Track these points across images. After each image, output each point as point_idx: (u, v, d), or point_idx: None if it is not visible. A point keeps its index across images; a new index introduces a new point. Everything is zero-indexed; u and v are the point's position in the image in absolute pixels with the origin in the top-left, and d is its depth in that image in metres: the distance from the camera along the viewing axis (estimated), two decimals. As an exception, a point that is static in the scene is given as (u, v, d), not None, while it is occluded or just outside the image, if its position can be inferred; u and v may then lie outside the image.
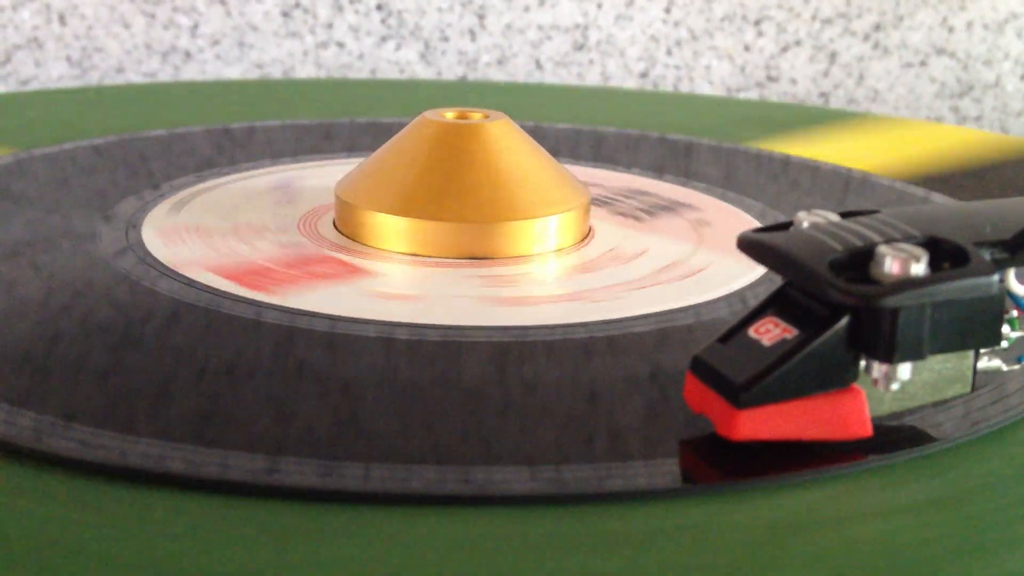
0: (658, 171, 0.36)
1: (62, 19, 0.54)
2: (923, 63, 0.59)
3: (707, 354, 0.19)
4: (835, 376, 0.18)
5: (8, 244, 0.27)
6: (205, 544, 0.16)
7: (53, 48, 0.54)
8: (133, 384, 0.21)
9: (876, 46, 0.58)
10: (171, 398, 0.20)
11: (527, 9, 0.57)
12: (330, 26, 0.56)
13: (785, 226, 0.20)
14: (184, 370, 0.21)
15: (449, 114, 0.29)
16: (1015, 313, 0.20)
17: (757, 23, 0.58)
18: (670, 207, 0.32)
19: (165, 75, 0.55)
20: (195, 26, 0.55)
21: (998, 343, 0.19)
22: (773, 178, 0.36)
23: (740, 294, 0.26)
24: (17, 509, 0.17)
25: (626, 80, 0.58)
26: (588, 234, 0.29)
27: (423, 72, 0.57)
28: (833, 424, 0.18)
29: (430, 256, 0.27)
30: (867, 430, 0.19)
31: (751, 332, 0.19)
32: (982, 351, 0.20)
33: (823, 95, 0.59)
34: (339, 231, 0.29)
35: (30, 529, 0.16)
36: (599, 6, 0.57)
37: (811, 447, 0.19)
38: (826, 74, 0.59)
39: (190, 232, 0.28)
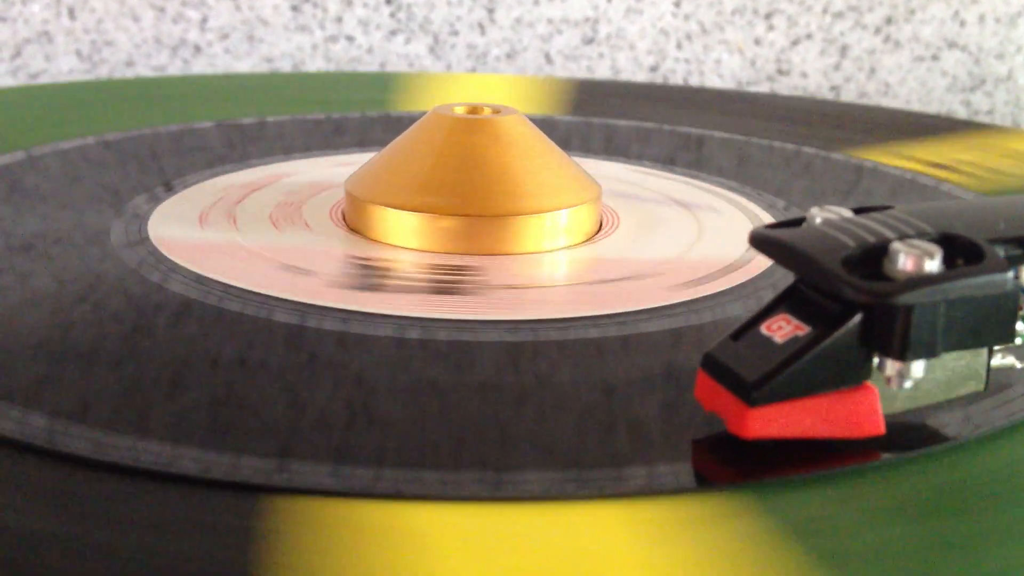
0: (669, 164, 0.36)
1: (71, 13, 0.54)
2: (935, 57, 0.58)
3: (718, 351, 0.19)
4: (848, 374, 0.18)
5: (20, 240, 0.27)
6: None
7: (63, 42, 0.54)
8: (142, 381, 0.20)
9: (887, 40, 0.58)
10: (180, 396, 0.20)
11: (537, 3, 0.56)
12: (339, 20, 0.56)
13: (797, 222, 0.20)
14: (194, 368, 0.21)
15: (460, 108, 0.29)
16: (1030, 310, 0.20)
17: (768, 16, 0.58)
18: (680, 198, 0.32)
19: (174, 69, 0.55)
20: (204, 20, 0.55)
21: (1012, 340, 0.19)
22: (783, 171, 0.36)
23: (754, 290, 0.25)
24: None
25: (636, 74, 0.58)
26: (599, 228, 0.29)
27: (432, 66, 0.57)
28: (846, 422, 0.18)
29: (441, 251, 0.27)
30: (880, 428, 0.19)
31: (763, 329, 0.19)
32: (996, 348, 0.19)
33: (834, 89, 0.59)
34: (349, 227, 0.28)
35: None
36: (609, 0, 0.57)
37: (824, 445, 0.19)
38: (837, 68, 0.58)
39: (201, 228, 0.28)
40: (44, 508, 0.17)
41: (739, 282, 0.26)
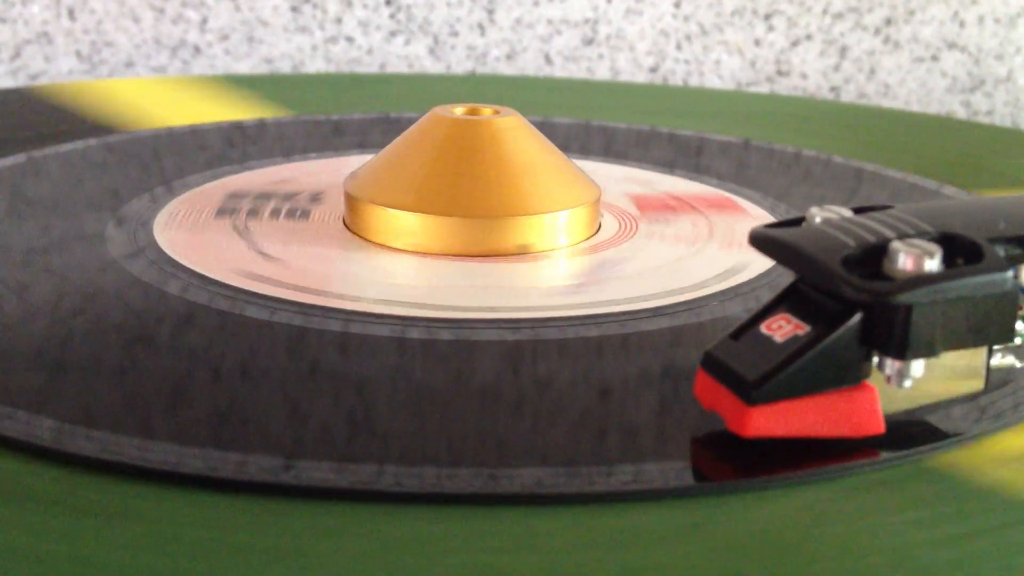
0: (668, 166, 0.36)
1: (71, 14, 0.54)
2: (934, 57, 0.58)
3: (718, 350, 0.19)
4: (847, 373, 0.18)
5: (19, 243, 0.27)
6: (220, 542, 0.16)
7: (62, 43, 0.54)
8: (146, 385, 0.20)
9: (887, 40, 0.58)
10: (184, 398, 0.20)
11: (536, 3, 0.57)
12: (339, 21, 0.56)
13: (797, 222, 0.20)
14: (197, 370, 0.21)
15: (459, 110, 0.29)
16: (1029, 310, 0.20)
17: (767, 17, 0.58)
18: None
19: (174, 70, 0.55)
20: (204, 21, 0.55)
21: (1012, 339, 0.19)
22: (784, 172, 0.36)
23: (753, 290, 0.25)
24: (29, 511, 0.17)
25: (636, 75, 0.58)
26: (598, 229, 0.29)
27: (432, 67, 0.57)
28: (845, 421, 0.18)
29: (440, 252, 0.27)
30: (880, 427, 0.19)
31: (763, 328, 0.19)
32: (996, 347, 0.19)
33: (834, 89, 0.59)
34: (348, 228, 0.28)
35: (40, 529, 0.16)
36: (609, 0, 0.57)
37: (823, 444, 0.19)
38: (837, 68, 0.58)
39: (201, 230, 0.28)
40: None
41: (739, 283, 0.26)
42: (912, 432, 0.19)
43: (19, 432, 0.18)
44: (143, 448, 0.18)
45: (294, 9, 0.55)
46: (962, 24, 0.58)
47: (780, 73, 0.58)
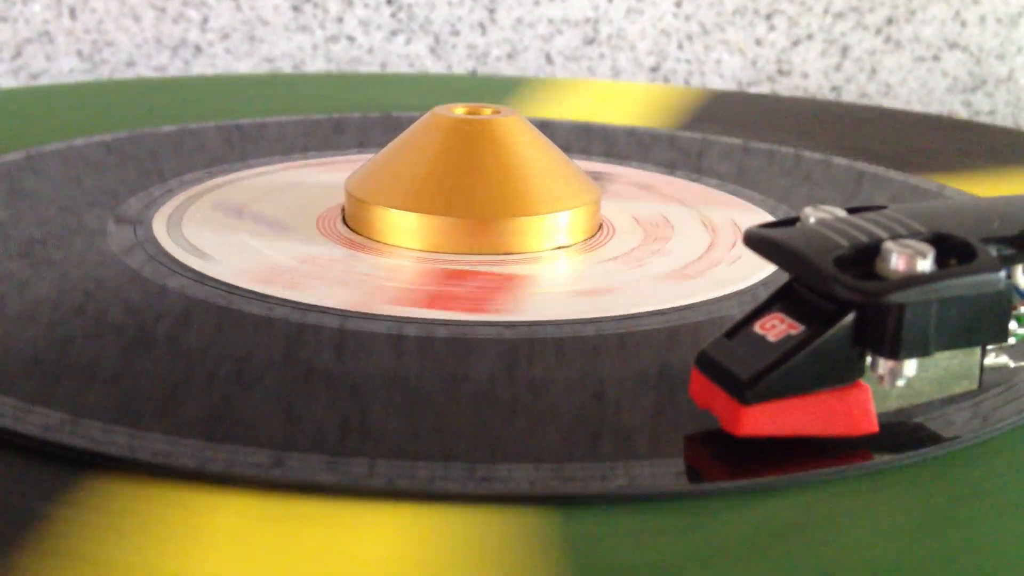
0: (669, 166, 0.36)
1: (72, 13, 0.54)
2: (936, 57, 0.58)
3: (712, 349, 0.19)
4: (841, 372, 0.18)
5: (19, 241, 0.27)
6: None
7: (63, 42, 0.54)
8: (143, 381, 0.21)
9: (888, 40, 0.58)
10: (181, 395, 0.20)
11: (537, 3, 0.57)
12: (340, 20, 0.56)
13: (791, 222, 0.20)
14: (194, 367, 0.21)
15: (459, 110, 0.29)
16: (1023, 309, 0.20)
17: (769, 17, 0.58)
18: (680, 202, 0.32)
19: (175, 69, 0.55)
20: (205, 20, 0.55)
21: (1005, 339, 0.19)
22: (784, 173, 0.36)
23: (751, 291, 0.26)
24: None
25: (637, 74, 0.58)
26: (598, 230, 0.29)
27: (433, 66, 0.57)
28: (839, 420, 0.18)
29: (440, 252, 0.27)
30: (873, 427, 0.19)
31: (757, 328, 0.19)
32: (989, 348, 0.19)
33: (835, 89, 0.59)
34: (349, 227, 0.29)
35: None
36: (610, 0, 0.57)
37: (817, 443, 0.19)
38: (838, 68, 0.58)
39: (200, 228, 0.28)
40: (45, 505, 0.17)
41: (737, 283, 0.26)
42: (905, 432, 0.19)
43: (10, 424, 0.19)
44: (136, 439, 0.18)
45: (295, 8, 0.55)
46: (963, 24, 0.58)
47: (781, 73, 0.58)
